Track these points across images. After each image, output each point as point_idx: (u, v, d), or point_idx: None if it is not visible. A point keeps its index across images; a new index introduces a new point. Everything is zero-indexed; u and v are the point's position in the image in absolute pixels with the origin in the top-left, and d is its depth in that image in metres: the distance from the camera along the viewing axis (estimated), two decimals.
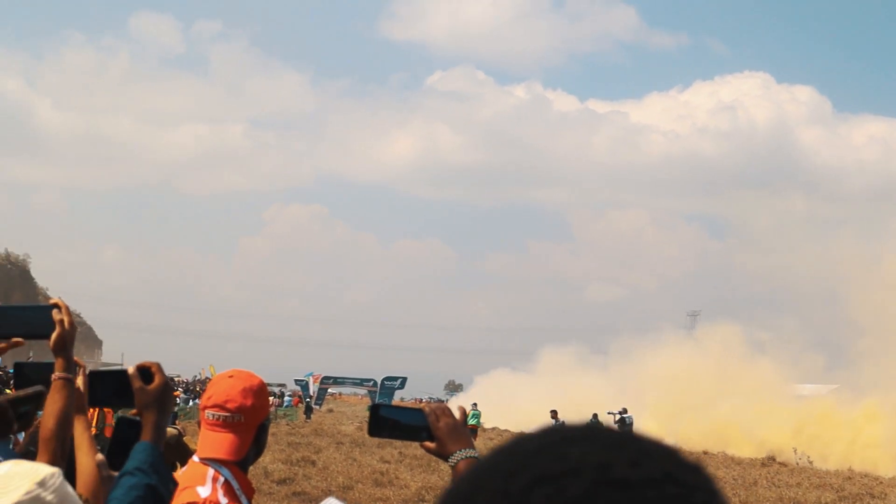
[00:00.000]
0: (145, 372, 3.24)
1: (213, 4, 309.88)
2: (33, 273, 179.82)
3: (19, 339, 3.55)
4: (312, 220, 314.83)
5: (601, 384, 64.28)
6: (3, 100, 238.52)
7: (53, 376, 3.42)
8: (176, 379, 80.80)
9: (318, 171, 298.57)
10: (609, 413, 47.69)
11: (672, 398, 58.10)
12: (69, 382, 3.44)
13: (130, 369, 3.23)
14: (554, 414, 39.19)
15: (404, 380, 75.29)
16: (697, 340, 65.68)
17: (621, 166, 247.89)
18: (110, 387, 3.35)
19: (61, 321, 3.43)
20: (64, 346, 3.44)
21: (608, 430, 0.77)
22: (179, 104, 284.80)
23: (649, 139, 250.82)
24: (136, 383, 3.20)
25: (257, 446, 3.57)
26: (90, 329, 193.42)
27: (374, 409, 3.21)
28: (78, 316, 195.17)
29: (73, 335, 3.47)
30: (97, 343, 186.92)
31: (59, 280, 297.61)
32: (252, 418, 3.50)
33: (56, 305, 3.47)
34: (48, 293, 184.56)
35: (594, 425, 0.76)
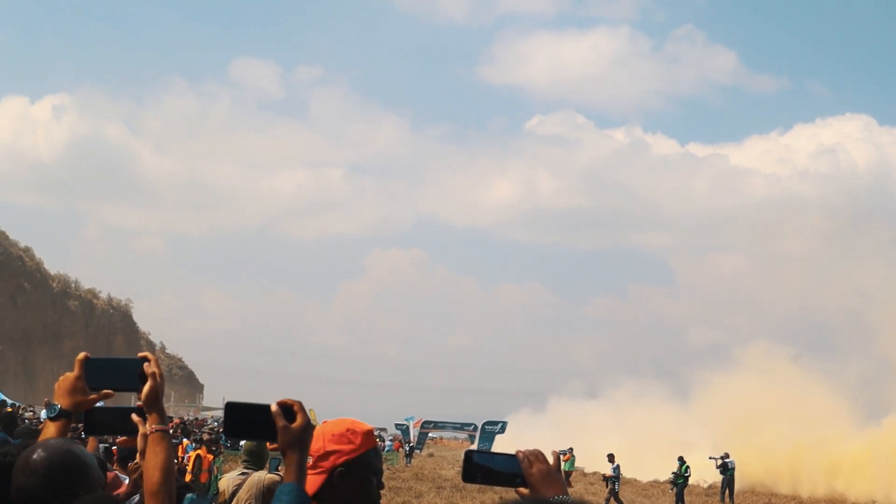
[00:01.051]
0: (288, 410, 3.14)
1: (313, 50, 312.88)
2: (135, 318, 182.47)
3: (109, 391, 3.49)
4: (412, 265, 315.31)
5: (684, 423, 63.58)
6: (105, 146, 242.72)
7: (150, 428, 3.36)
8: None
9: (417, 216, 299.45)
10: (711, 458, 46.68)
11: (769, 438, 57.05)
12: (167, 434, 3.41)
13: (273, 406, 3.13)
14: (611, 458, 38.60)
15: (504, 424, 74.60)
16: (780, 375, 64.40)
17: (721, 209, 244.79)
18: (249, 419, 3.20)
19: (153, 374, 3.39)
20: (157, 399, 3.40)
21: None
22: (279, 149, 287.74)
23: (750, 182, 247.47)
24: (280, 422, 3.11)
25: (351, 491, 3.43)
26: (192, 373, 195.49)
27: (468, 456, 3.20)
28: (179, 360, 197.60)
29: (163, 387, 3.44)
30: (199, 387, 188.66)
31: (161, 325, 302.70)
32: (322, 461, 3.44)
33: (146, 358, 3.42)
34: (150, 338, 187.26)
35: None
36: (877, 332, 64.86)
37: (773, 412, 58.94)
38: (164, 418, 3.42)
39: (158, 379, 3.41)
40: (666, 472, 46.74)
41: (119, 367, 3.41)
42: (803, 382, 61.48)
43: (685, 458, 41.46)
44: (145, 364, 3.39)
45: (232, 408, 3.21)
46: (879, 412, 57.37)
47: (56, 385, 3.35)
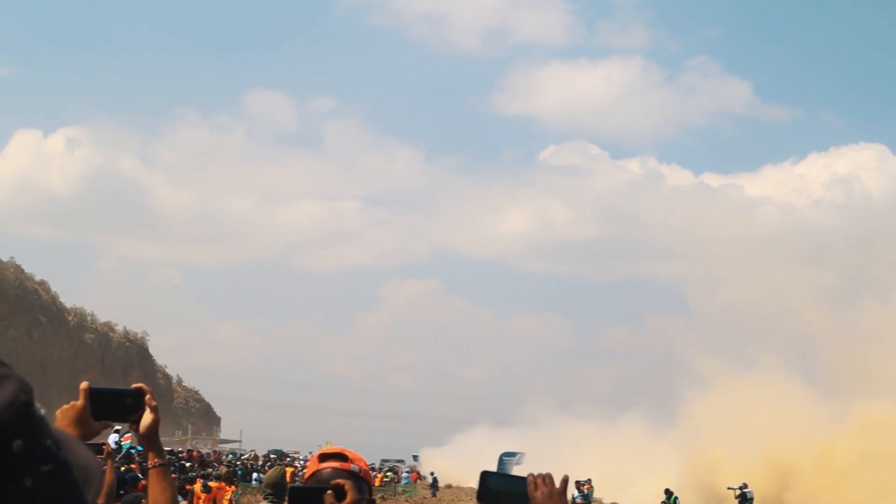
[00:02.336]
0: (339, 490, 3.28)
1: (327, 82, 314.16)
2: (151, 350, 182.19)
3: (109, 422, 3.44)
4: (428, 296, 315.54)
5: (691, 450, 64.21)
6: (119, 179, 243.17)
7: (153, 462, 3.40)
8: (293, 455, 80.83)
9: (433, 247, 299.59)
10: (729, 488, 46.49)
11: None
12: (168, 468, 3.45)
13: (328, 499, 3.26)
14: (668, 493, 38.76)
15: (522, 455, 74.31)
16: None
17: (736, 239, 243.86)
18: (116, 404, 3.32)
19: (156, 407, 3.39)
20: (157, 433, 3.40)
21: None
22: (294, 181, 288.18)
23: (764, 212, 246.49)
24: (329, 500, 3.24)
25: None
26: (209, 406, 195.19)
27: (483, 477, 3.49)
28: (196, 393, 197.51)
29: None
30: (216, 420, 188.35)
31: (177, 357, 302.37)
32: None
33: (142, 390, 3.41)
34: (167, 370, 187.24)
35: None
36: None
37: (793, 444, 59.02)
38: (162, 452, 3.43)
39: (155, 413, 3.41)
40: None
41: (117, 398, 3.38)
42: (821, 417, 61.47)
43: (672, 490, 41.60)
44: (147, 397, 3.37)
45: (296, 493, 3.34)
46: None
47: (59, 414, 3.27)
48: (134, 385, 3.39)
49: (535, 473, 3.33)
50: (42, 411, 1.68)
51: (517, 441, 75.23)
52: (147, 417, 3.33)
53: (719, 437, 62.23)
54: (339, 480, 3.31)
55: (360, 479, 3.55)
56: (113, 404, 3.35)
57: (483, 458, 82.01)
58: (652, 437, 73.62)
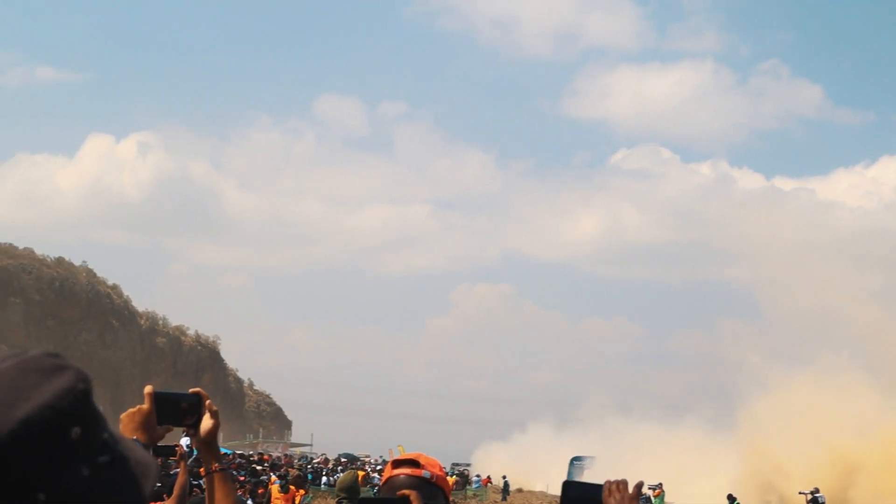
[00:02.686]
0: (405, 501, 3.31)
1: (397, 86, 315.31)
2: (223, 354, 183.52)
3: (170, 426, 3.37)
4: (499, 300, 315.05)
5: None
6: (190, 183, 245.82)
7: (213, 467, 3.34)
8: (363, 458, 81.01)
9: (504, 251, 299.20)
10: (801, 493, 45.97)
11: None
12: (229, 473, 3.39)
13: None
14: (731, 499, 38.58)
15: (592, 459, 73.96)
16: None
17: (808, 243, 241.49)
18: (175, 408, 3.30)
19: (216, 412, 3.35)
20: (215, 437, 3.36)
21: None
22: (364, 185, 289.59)
23: (836, 216, 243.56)
24: None
25: None
26: (279, 410, 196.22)
27: (565, 487, 3.52)
28: (267, 396, 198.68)
29: None
30: (287, 424, 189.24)
31: (248, 361, 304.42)
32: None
33: (199, 394, 3.35)
34: (238, 374, 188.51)
35: None
36: None
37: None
38: (221, 457, 3.37)
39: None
40: None
41: (173, 402, 3.33)
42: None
43: (734, 496, 41.36)
44: (208, 402, 3.34)
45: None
46: None
47: (125, 418, 3.22)
48: (191, 389, 3.35)
49: (612, 480, 3.36)
50: (101, 408, 1.69)
51: (580, 444, 75.02)
52: (206, 423, 3.30)
53: (783, 438, 61.82)
54: (405, 491, 3.31)
55: (433, 486, 3.52)
56: (170, 408, 3.31)
57: (547, 460, 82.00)
58: (715, 439, 73.19)
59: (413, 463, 3.57)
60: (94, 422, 1.63)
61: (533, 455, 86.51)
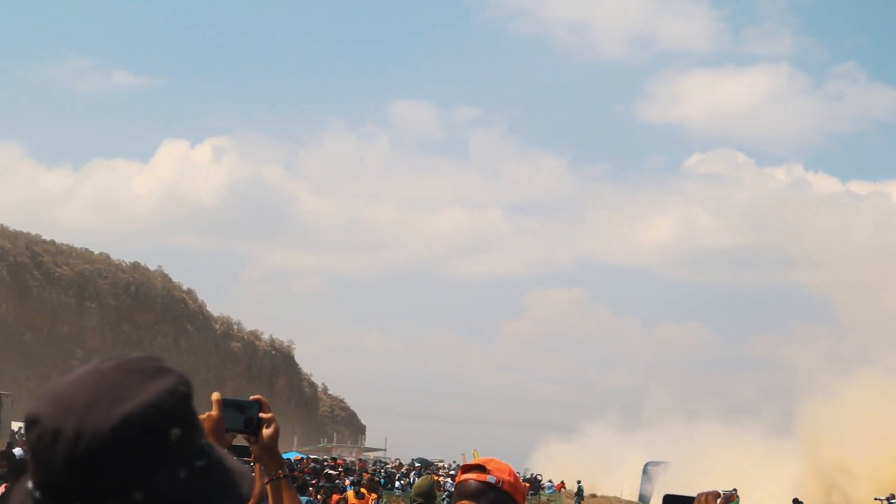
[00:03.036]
0: None
1: (472, 91, 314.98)
2: (297, 359, 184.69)
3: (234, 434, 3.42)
4: (573, 304, 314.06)
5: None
6: (264, 188, 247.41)
7: (279, 473, 3.33)
8: (438, 464, 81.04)
9: (577, 255, 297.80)
10: (876, 499, 45.37)
11: None
12: (290, 479, 3.39)
13: None
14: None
15: (667, 464, 73.56)
16: None
17: (885, 247, 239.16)
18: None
19: (273, 418, 3.32)
20: (275, 444, 3.34)
21: None
22: (438, 189, 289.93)
23: None
24: None
25: None
26: (353, 414, 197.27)
27: (666, 500, 3.55)
28: (341, 401, 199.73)
29: None
30: (361, 428, 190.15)
31: (322, 366, 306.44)
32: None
33: (260, 401, 3.32)
34: (312, 379, 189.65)
35: None
36: None
37: None
38: (283, 463, 3.38)
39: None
40: None
41: (238, 409, 3.31)
42: None
43: (801, 500, 41.02)
44: (265, 409, 3.31)
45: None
46: None
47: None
48: (252, 396, 3.33)
49: (704, 492, 3.41)
50: None
51: (647, 447, 74.94)
52: (266, 429, 3.28)
53: (849, 439, 61.31)
54: (463, 502, 3.38)
55: (501, 491, 3.53)
56: (235, 415, 3.30)
57: (612, 463, 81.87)
58: (780, 441, 72.91)
59: (480, 468, 3.58)
60: (193, 426, 1.66)
61: (596, 458, 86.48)
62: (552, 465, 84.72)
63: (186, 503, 1.61)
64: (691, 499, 3.42)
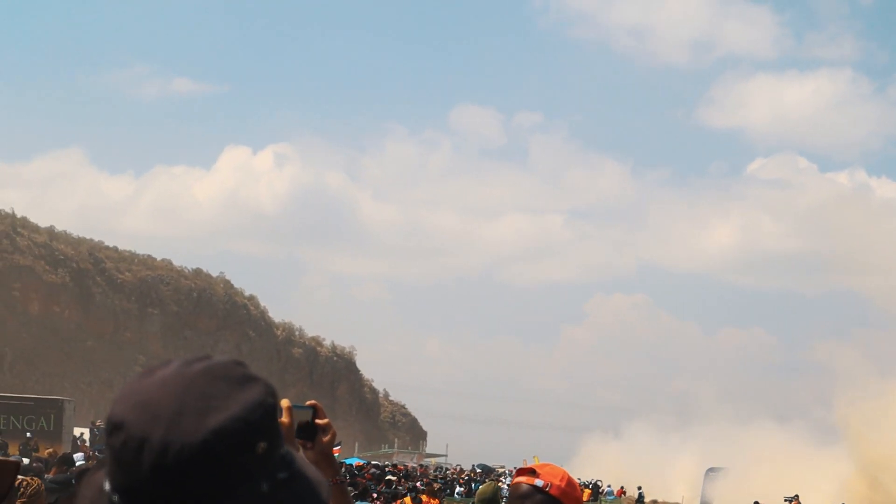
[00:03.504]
0: None
1: (534, 96, 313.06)
2: (359, 365, 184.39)
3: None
4: (634, 310, 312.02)
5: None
6: (326, 194, 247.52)
7: (335, 480, 3.29)
8: (499, 470, 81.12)
9: (639, 261, 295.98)
10: None
11: None
12: (346, 485, 3.42)
13: None
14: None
15: (726, 470, 73.29)
16: None
17: None
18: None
19: (329, 424, 3.25)
20: (331, 449, 3.29)
21: None
22: (499, 195, 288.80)
23: None
24: None
25: None
26: (415, 420, 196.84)
27: None
28: (403, 407, 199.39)
29: None
30: (422, 434, 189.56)
31: (383, 372, 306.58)
32: None
33: (315, 406, 3.26)
34: (373, 385, 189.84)
35: None
36: None
37: None
38: (339, 469, 3.39)
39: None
40: None
41: (302, 415, 3.25)
42: None
43: None
44: (326, 419, 3.27)
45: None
46: None
47: None
48: (308, 402, 3.30)
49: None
50: None
51: (701, 452, 74.95)
52: (322, 435, 3.25)
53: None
54: None
55: (546, 495, 3.58)
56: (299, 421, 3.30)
57: (662, 466, 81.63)
58: (830, 447, 72.44)
59: (531, 472, 3.64)
60: (277, 437, 1.64)
61: (646, 461, 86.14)
62: (596, 468, 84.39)
63: None
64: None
